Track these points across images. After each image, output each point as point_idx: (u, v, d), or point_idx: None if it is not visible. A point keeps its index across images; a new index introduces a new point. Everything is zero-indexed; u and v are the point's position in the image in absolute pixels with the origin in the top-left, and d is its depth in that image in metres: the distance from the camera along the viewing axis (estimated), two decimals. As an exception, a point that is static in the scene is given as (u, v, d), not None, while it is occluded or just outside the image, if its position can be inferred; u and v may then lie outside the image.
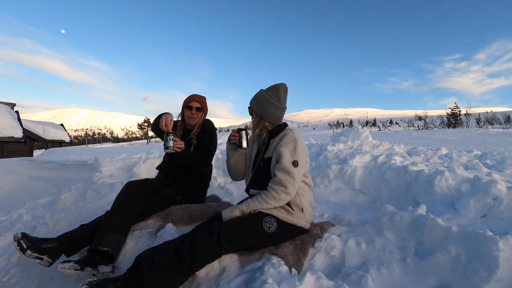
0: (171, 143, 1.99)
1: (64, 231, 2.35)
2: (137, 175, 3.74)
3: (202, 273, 1.55)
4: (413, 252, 1.62)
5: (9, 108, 13.45)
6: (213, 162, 3.05)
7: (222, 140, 5.77)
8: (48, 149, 9.34)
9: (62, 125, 22.02)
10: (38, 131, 17.84)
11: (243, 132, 1.85)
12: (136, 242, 1.99)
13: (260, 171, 1.82)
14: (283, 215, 1.69)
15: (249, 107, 1.90)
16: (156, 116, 2.44)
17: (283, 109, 1.86)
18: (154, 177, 2.56)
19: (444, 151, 4.60)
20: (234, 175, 2.09)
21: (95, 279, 1.31)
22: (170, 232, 1.91)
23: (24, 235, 1.79)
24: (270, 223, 1.64)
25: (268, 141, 1.85)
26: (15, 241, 1.76)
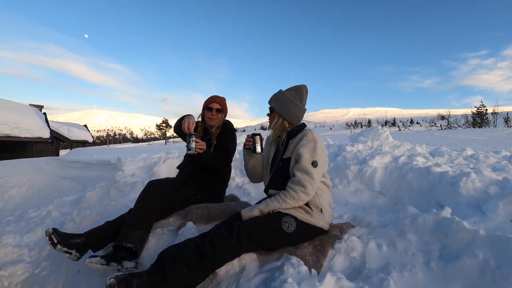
0: (193, 145, 2.03)
1: (90, 227, 2.46)
2: (157, 174, 3.84)
3: (222, 271, 1.58)
4: (437, 255, 1.58)
5: (38, 110, 14.18)
6: (231, 163, 3.08)
7: (239, 141, 5.82)
8: (73, 149, 9.79)
9: (85, 126, 22.96)
10: (64, 131, 18.69)
11: (257, 137, 1.86)
12: (158, 240, 2.05)
13: (279, 172, 1.83)
14: (302, 215, 1.69)
15: (270, 107, 1.90)
16: (177, 118, 2.51)
17: (304, 110, 1.87)
18: (174, 176, 2.63)
19: (469, 151, 4.41)
20: (253, 178, 2.11)
21: (121, 273, 1.37)
22: (191, 230, 1.95)
23: (55, 230, 1.89)
24: (289, 223, 1.65)
25: (287, 141, 1.85)
26: (46, 235, 1.86)
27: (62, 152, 18.05)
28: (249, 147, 1.92)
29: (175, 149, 5.47)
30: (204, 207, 2.22)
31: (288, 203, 1.64)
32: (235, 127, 2.65)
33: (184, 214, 2.25)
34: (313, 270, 1.49)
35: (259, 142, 1.85)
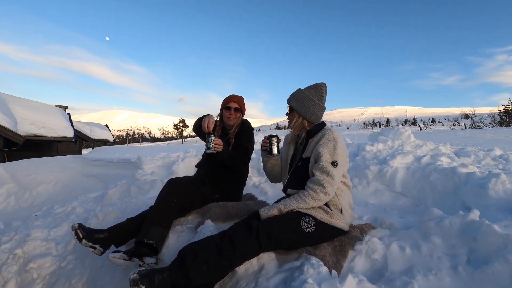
0: (211, 144, 2.05)
1: (112, 223, 2.54)
2: (176, 173, 3.92)
3: (241, 269, 1.59)
4: (465, 260, 1.51)
5: (62, 111, 14.82)
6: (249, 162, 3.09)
7: (256, 139, 5.82)
8: (95, 148, 10.16)
9: (106, 125, 23.77)
10: (86, 131, 19.44)
11: (274, 138, 1.85)
12: (178, 237, 2.08)
13: (298, 171, 1.81)
14: (321, 215, 1.67)
15: (289, 106, 1.88)
16: (194, 118, 2.55)
17: (324, 109, 1.85)
18: (192, 175, 2.66)
19: (498, 151, 4.19)
20: (272, 178, 2.11)
21: (143, 268, 1.40)
22: (209, 228, 1.98)
23: (80, 226, 1.96)
24: (308, 223, 1.63)
25: (306, 140, 1.83)
26: (73, 230, 1.94)
27: (85, 151, 18.78)
28: (266, 149, 1.91)
29: (192, 148, 5.56)
30: (222, 206, 2.24)
31: (307, 203, 1.62)
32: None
33: (202, 212, 2.28)
34: (333, 271, 1.46)
35: (275, 143, 1.84)
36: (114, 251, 1.83)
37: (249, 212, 2.24)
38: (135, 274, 1.34)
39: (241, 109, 2.50)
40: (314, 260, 1.52)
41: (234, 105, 2.46)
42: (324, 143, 1.69)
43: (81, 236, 1.93)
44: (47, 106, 13.91)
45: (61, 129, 12.26)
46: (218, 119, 2.60)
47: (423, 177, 2.75)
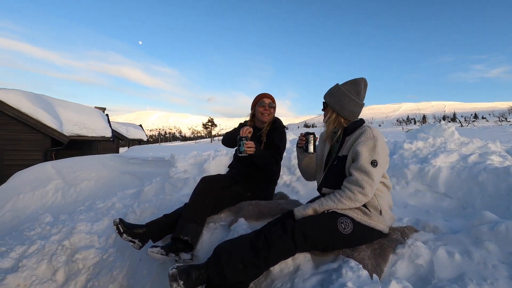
0: (243, 147, 2.05)
1: (149, 219, 2.64)
2: (208, 171, 3.99)
3: (276, 269, 1.57)
4: (526, 270, 1.36)
5: (101, 112, 15.79)
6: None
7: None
8: (130, 147, 10.72)
9: (140, 125, 24.96)
10: (122, 131, 20.57)
11: (310, 136, 1.78)
12: (211, 234, 2.11)
13: (334, 170, 1.74)
14: (359, 217, 1.59)
15: (324, 102, 1.82)
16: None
17: (361, 105, 1.75)
18: (223, 173, 2.69)
19: (557, 150, 3.75)
20: (307, 176, 2.06)
21: (181, 264, 1.43)
22: (243, 226, 1.97)
23: (121, 221, 2.06)
24: (346, 224, 1.56)
25: (343, 138, 1.75)
26: (114, 225, 2.04)
27: (121, 150, 19.91)
28: (302, 146, 1.86)
29: (222, 147, 5.64)
30: (255, 204, 2.23)
31: (344, 203, 1.55)
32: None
33: (235, 210, 2.29)
34: (374, 275, 1.39)
35: (311, 141, 1.78)
36: (152, 246, 1.89)
37: (282, 211, 2.21)
38: (174, 270, 1.37)
39: (274, 105, 2.48)
40: (353, 263, 1.46)
41: (268, 100, 2.44)
42: (363, 141, 1.60)
43: (122, 230, 2.02)
44: (88, 108, 14.92)
45: (100, 130, 13.08)
46: (249, 119, 2.58)
47: (471, 177, 2.53)
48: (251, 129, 2.23)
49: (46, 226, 3.53)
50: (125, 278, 2.51)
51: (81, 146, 13.47)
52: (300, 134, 1.86)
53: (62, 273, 2.72)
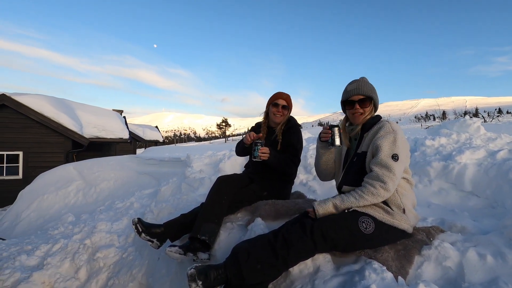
0: (258, 153, 2.05)
1: (166, 219, 2.66)
2: (223, 170, 4.00)
3: (295, 270, 1.53)
4: None
5: (119, 114, 16.21)
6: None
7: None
8: (147, 148, 10.95)
9: (156, 127, 25.46)
10: (139, 132, 21.05)
11: (336, 128, 1.68)
12: (229, 234, 2.10)
13: (353, 167, 1.68)
14: (381, 215, 1.52)
15: (362, 98, 1.69)
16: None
17: None
18: (238, 172, 2.67)
19: None
20: (324, 175, 1.98)
21: (200, 264, 1.42)
22: (260, 226, 1.95)
23: (139, 220, 2.08)
24: (367, 223, 1.50)
25: (361, 134, 1.70)
26: (133, 224, 2.06)
27: (138, 151, 20.38)
28: (326, 140, 1.75)
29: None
30: (272, 204, 2.20)
31: (366, 199, 1.49)
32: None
33: (251, 209, 2.27)
34: (399, 278, 1.33)
35: (337, 134, 1.68)
36: (171, 245, 1.90)
37: (299, 210, 2.16)
38: (192, 270, 1.36)
39: (288, 107, 2.43)
40: (376, 264, 1.40)
41: (282, 102, 2.39)
42: (382, 135, 1.55)
43: (140, 230, 2.04)
44: (106, 111, 15.36)
45: (118, 131, 13.43)
46: (264, 116, 2.55)
47: (500, 175, 2.39)
48: (260, 135, 2.22)
49: (68, 225, 3.64)
50: (144, 277, 2.54)
51: (100, 147, 13.89)
52: (324, 127, 1.77)
53: (84, 271, 2.79)
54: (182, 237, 2.22)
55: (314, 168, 3.70)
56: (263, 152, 2.07)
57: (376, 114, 1.76)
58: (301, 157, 2.50)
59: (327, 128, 1.73)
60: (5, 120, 10.65)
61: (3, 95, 10.40)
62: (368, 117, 1.71)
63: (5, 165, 10.65)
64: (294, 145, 2.31)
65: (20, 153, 10.85)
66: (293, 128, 2.41)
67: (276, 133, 2.40)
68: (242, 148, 2.38)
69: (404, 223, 1.55)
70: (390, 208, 1.55)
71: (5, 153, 10.65)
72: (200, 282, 1.34)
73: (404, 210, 1.57)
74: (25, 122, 10.87)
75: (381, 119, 1.69)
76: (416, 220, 1.67)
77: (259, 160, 2.08)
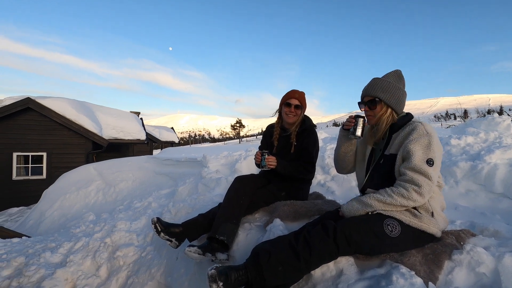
0: (264, 162, 2.14)
1: (183, 218, 2.67)
2: (239, 171, 3.99)
3: (317, 273, 1.48)
4: None
5: (136, 116, 16.62)
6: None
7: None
8: (163, 149, 11.13)
9: (172, 128, 25.92)
10: (155, 134, 21.49)
11: (361, 119, 1.62)
12: (247, 234, 2.07)
13: (380, 170, 1.60)
14: (408, 219, 1.45)
15: (370, 100, 1.62)
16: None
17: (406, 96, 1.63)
18: (254, 173, 2.64)
19: None
20: (340, 167, 1.90)
21: (220, 265, 1.40)
22: (279, 227, 1.91)
23: (158, 220, 2.09)
24: (393, 226, 1.43)
25: (389, 135, 1.60)
26: (152, 224, 2.07)
27: (155, 152, 20.79)
28: (348, 128, 1.68)
29: (252, 147, 5.62)
30: (290, 204, 2.16)
31: (395, 199, 1.41)
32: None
33: (270, 210, 2.23)
34: (431, 283, 1.25)
35: (361, 124, 1.61)
36: (189, 245, 1.89)
37: (319, 211, 2.11)
38: (213, 270, 1.34)
39: (302, 106, 2.33)
40: (404, 269, 1.33)
41: (294, 101, 2.30)
42: (415, 138, 1.44)
43: (159, 229, 2.05)
44: (124, 113, 15.78)
45: (135, 133, 13.76)
46: (277, 116, 2.49)
47: (535, 176, 2.24)
48: (258, 152, 2.24)
49: (89, 224, 3.74)
50: (163, 276, 2.56)
51: (118, 148, 14.28)
52: (349, 116, 1.70)
53: (105, 269, 2.84)
54: (200, 237, 2.21)
55: (332, 169, 3.63)
56: (269, 161, 2.12)
57: (406, 112, 1.64)
58: (318, 157, 2.45)
59: (352, 118, 1.66)
60: (30, 123, 11.13)
61: (28, 98, 10.88)
62: (386, 117, 1.59)
63: (30, 165, 11.13)
64: (308, 150, 2.25)
65: (44, 154, 11.31)
66: (307, 130, 2.32)
67: (291, 135, 2.34)
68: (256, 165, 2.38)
69: (433, 226, 1.47)
70: (418, 211, 1.48)
71: (30, 154, 11.12)
72: (221, 283, 1.32)
73: (432, 213, 1.49)
74: (49, 124, 11.33)
75: (413, 119, 1.58)
76: (445, 224, 1.58)
77: (266, 169, 2.16)
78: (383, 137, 1.65)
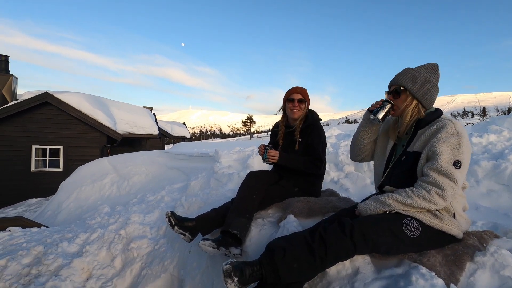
0: (266, 155, 2.19)
1: (196, 213, 2.68)
2: (251, 166, 3.98)
3: (333, 270, 1.46)
4: None
5: (149, 111, 16.85)
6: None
7: (329, 134, 5.54)
8: (175, 144, 11.26)
9: (184, 123, 26.17)
10: (168, 129, 21.76)
11: (388, 104, 1.53)
12: (260, 230, 2.07)
13: (401, 167, 1.53)
14: (428, 219, 1.40)
15: (395, 89, 1.54)
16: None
17: (438, 93, 1.54)
18: (266, 169, 2.63)
19: None
20: (354, 152, 1.82)
21: (234, 260, 1.40)
22: (293, 223, 1.90)
23: (172, 213, 2.11)
24: (412, 226, 1.39)
25: (415, 131, 1.52)
26: (166, 217, 2.10)
27: (167, 147, 21.08)
28: (373, 109, 1.59)
29: (264, 143, 5.61)
30: (304, 201, 2.14)
31: (415, 201, 1.36)
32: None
33: (283, 206, 2.22)
34: (452, 285, 1.21)
35: (386, 109, 1.52)
36: (204, 239, 1.90)
37: (333, 208, 2.08)
38: (228, 265, 1.34)
39: (305, 100, 2.31)
40: (424, 270, 1.29)
41: (297, 96, 2.28)
42: (444, 137, 1.35)
43: (173, 223, 2.07)
44: (137, 108, 16.02)
45: (148, 128, 13.96)
46: (281, 114, 2.46)
47: None
48: (262, 144, 2.27)
49: (104, 216, 3.82)
50: (175, 269, 2.59)
51: (132, 143, 14.54)
52: (381, 99, 1.60)
53: (119, 260, 2.91)
54: (213, 231, 2.22)
55: (345, 166, 3.58)
56: (271, 155, 2.16)
57: (435, 108, 1.54)
58: (332, 154, 2.41)
59: (381, 100, 1.57)
60: (48, 117, 11.47)
61: (46, 93, 11.19)
62: (411, 109, 1.50)
63: (48, 158, 11.49)
64: (314, 146, 2.22)
65: (61, 147, 11.65)
66: (311, 126, 2.29)
67: (295, 131, 2.31)
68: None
69: (455, 228, 1.42)
70: (439, 211, 1.42)
71: (48, 147, 11.48)
72: (236, 279, 1.32)
73: (454, 214, 1.43)
74: (66, 118, 11.64)
75: (442, 116, 1.48)
76: (467, 225, 1.52)
77: (268, 163, 2.22)
78: (407, 132, 1.57)
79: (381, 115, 1.53)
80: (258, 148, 2.28)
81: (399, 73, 1.57)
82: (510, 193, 2.31)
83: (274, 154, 2.16)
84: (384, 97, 1.61)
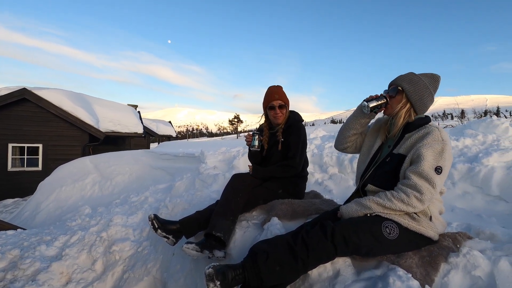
0: (256, 142, 2.22)
1: (180, 214, 2.66)
2: (237, 167, 3.98)
3: (314, 273, 1.49)
4: None
5: (133, 109, 16.49)
6: (308, 158, 2.91)
7: (314, 135, 5.61)
8: (161, 143, 11.11)
9: (170, 122, 25.78)
10: (153, 127, 21.36)
11: (383, 99, 1.58)
12: (244, 232, 2.07)
13: (384, 167, 1.57)
14: (406, 221, 1.45)
15: (393, 88, 1.59)
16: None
17: (433, 102, 1.60)
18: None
19: None
20: (339, 141, 1.84)
21: (217, 264, 1.40)
22: (276, 226, 1.91)
23: (155, 216, 2.09)
24: (391, 229, 1.43)
25: (402, 134, 1.57)
26: (149, 220, 2.07)
27: (152, 145, 20.71)
28: (371, 99, 1.60)
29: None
30: (288, 203, 2.16)
31: (394, 204, 1.41)
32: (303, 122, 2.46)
33: (267, 208, 2.23)
34: (427, 286, 1.26)
35: (379, 102, 1.57)
36: (187, 242, 1.89)
37: (317, 211, 2.11)
38: (210, 269, 1.34)
39: (285, 104, 2.33)
40: (401, 271, 1.33)
41: (277, 102, 2.29)
42: (429, 143, 1.41)
43: (156, 226, 2.05)
44: (121, 106, 15.65)
45: (133, 126, 13.67)
46: (264, 119, 2.47)
47: (531, 179, 2.26)
48: (249, 133, 2.31)
49: (85, 217, 3.72)
50: (159, 272, 2.56)
51: (115, 141, 14.18)
52: (381, 93, 1.64)
53: (100, 264, 2.84)
54: (197, 234, 2.21)
55: (329, 167, 3.64)
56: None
57: (425, 115, 1.59)
58: (316, 156, 2.44)
59: (378, 94, 1.61)
60: (26, 114, 11.02)
61: (24, 89, 10.75)
62: (403, 111, 1.54)
63: (26, 157, 11.04)
64: (291, 146, 2.26)
65: (40, 146, 11.22)
66: (292, 126, 2.32)
67: (277, 132, 2.34)
68: (253, 153, 2.38)
69: (431, 230, 1.47)
70: (416, 214, 1.48)
71: (26, 145, 11.03)
72: (218, 282, 1.32)
73: (430, 217, 1.49)
74: (45, 115, 11.22)
75: (430, 123, 1.54)
76: (443, 228, 1.59)
77: (256, 150, 2.26)
78: (396, 134, 1.61)
79: (372, 104, 1.58)
80: (245, 136, 2.29)
81: (401, 74, 1.61)
82: (483, 195, 2.43)
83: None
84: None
